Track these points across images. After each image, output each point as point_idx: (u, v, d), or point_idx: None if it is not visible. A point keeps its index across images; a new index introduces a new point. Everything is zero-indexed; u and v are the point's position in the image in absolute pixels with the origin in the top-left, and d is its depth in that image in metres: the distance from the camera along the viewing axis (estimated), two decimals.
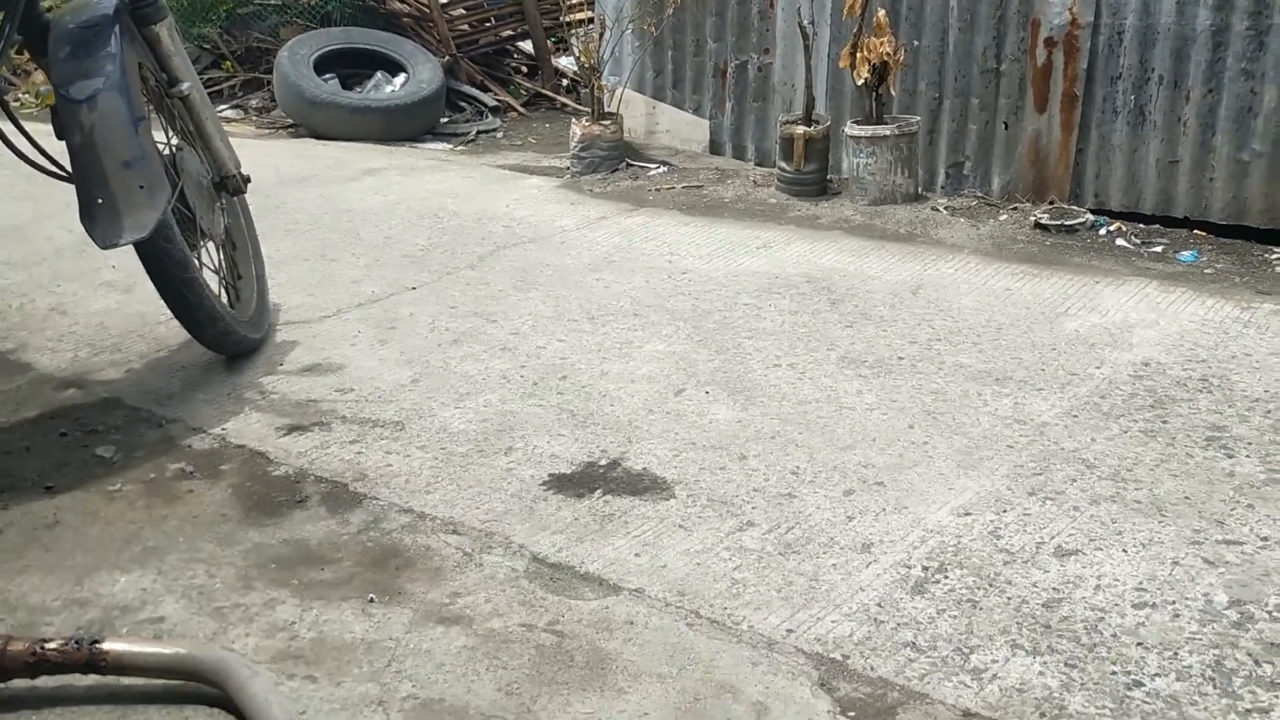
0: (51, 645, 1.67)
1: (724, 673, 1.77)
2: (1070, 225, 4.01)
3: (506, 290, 3.57)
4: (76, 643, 1.68)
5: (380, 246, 4.05)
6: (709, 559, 2.08)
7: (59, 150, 2.60)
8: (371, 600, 1.97)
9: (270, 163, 5.30)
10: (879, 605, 1.93)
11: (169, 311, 2.82)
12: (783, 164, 4.57)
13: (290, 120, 6.34)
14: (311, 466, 2.46)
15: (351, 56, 6.54)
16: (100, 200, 2.47)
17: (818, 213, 4.34)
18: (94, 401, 2.80)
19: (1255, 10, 3.72)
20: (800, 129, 4.44)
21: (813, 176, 4.51)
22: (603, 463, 2.46)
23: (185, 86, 2.86)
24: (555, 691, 1.72)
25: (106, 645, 1.68)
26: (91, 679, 1.72)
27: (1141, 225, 4.03)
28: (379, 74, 6.47)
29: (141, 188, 2.50)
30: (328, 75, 6.30)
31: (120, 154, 2.48)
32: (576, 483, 2.38)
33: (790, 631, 1.86)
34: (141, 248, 2.62)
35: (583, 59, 4.99)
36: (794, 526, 2.19)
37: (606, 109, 5.08)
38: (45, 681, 1.71)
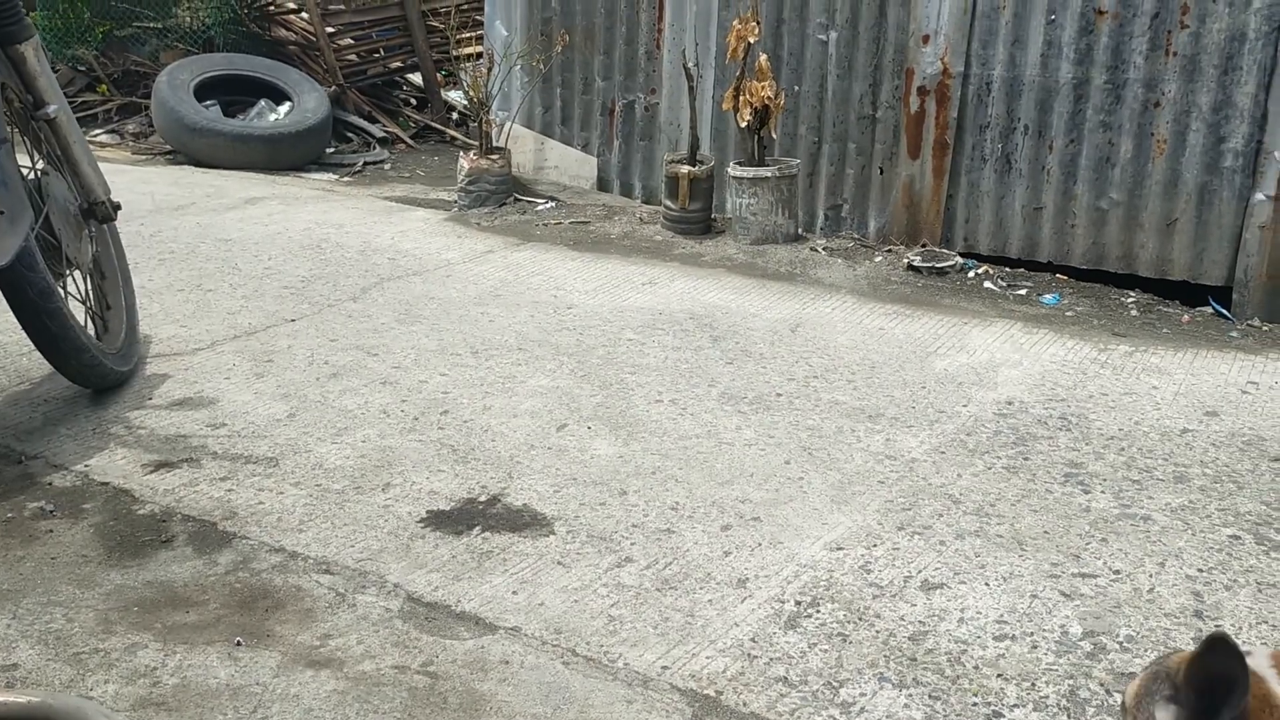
0: None
1: (598, 712, 1.77)
2: (941, 268, 4.17)
3: (389, 323, 3.53)
4: None
5: (259, 277, 3.96)
6: (587, 596, 2.09)
7: None
8: (239, 643, 1.91)
9: (146, 190, 5.15)
10: (753, 640, 1.97)
11: (31, 343, 2.71)
12: (668, 202, 4.64)
13: (169, 147, 6.17)
14: (179, 505, 2.38)
15: (234, 83, 6.42)
16: None
17: (702, 251, 4.42)
18: None
19: (1112, 65, 3.95)
20: (685, 168, 4.53)
21: (697, 215, 4.59)
22: (482, 499, 2.45)
23: (52, 109, 2.77)
24: None
25: None
26: None
27: (1008, 268, 4.22)
28: (263, 102, 6.36)
29: (1, 213, 2.40)
30: (209, 102, 6.16)
31: None
32: (455, 519, 2.36)
33: (665, 668, 1.88)
34: (1, 276, 2.52)
35: (471, 93, 4.99)
36: (672, 562, 2.21)
37: (495, 143, 5.09)
38: None
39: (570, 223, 4.79)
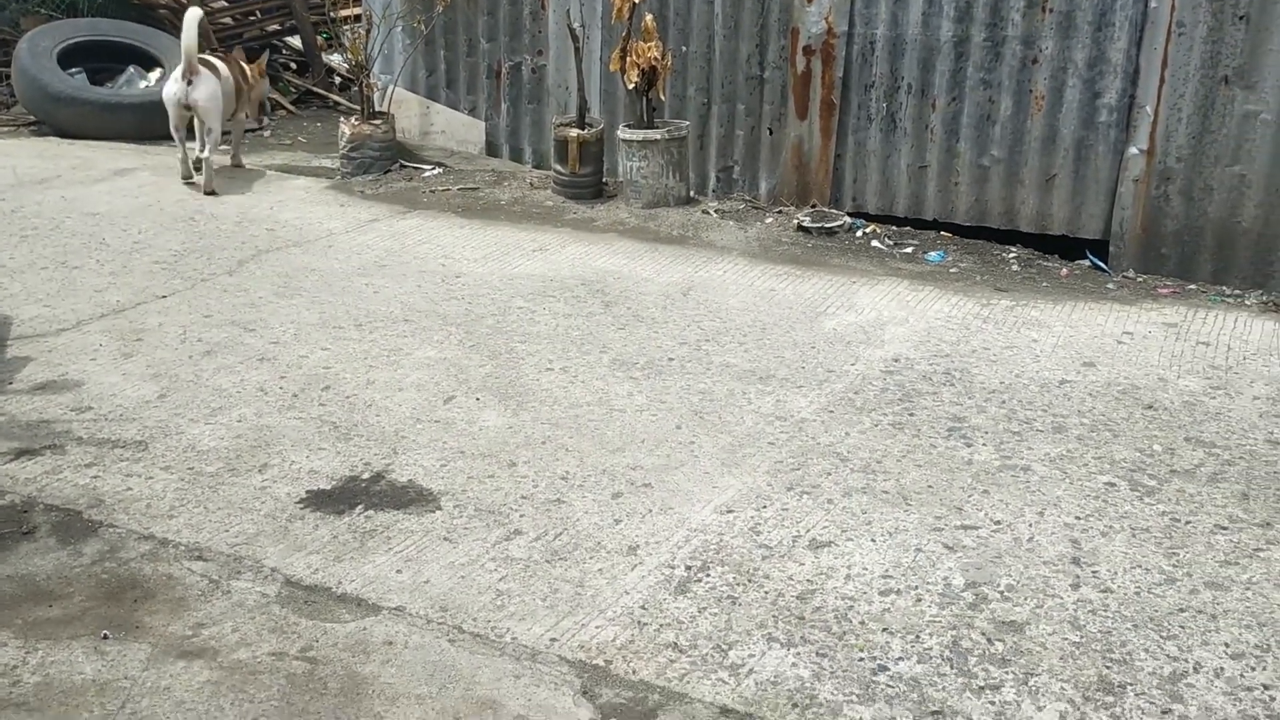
0: None
1: (485, 688, 1.74)
2: (830, 228, 4.19)
3: (267, 297, 3.41)
4: None
5: (128, 252, 3.79)
6: (474, 571, 2.05)
7: None
8: (105, 637, 1.82)
9: (7, 163, 4.89)
10: (643, 608, 1.95)
11: None
12: (558, 167, 4.57)
13: (32, 118, 5.85)
14: (41, 494, 2.26)
15: (101, 50, 6.09)
16: None
17: (594, 215, 4.36)
18: None
19: (991, 23, 3.99)
20: (574, 132, 4.46)
21: (588, 179, 4.53)
22: (365, 476, 2.38)
23: None
24: None
25: None
26: None
27: (895, 227, 4.26)
28: (131, 69, 6.06)
29: None
30: (74, 70, 5.84)
31: None
32: (336, 499, 2.29)
33: (554, 640, 1.85)
34: None
35: (351, 56, 4.83)
36: (562, 533, 2.18)
37: (377, 108, 4.94)
38: None
39: (458, 189, 4.69)
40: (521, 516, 2.24)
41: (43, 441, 2.48)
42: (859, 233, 4.21)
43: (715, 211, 4.39)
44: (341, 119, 4.98)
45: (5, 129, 5.91)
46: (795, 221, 4.24)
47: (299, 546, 2.11)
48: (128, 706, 1.67)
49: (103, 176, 4.77)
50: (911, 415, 2.70)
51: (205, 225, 4.11)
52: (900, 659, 1.83)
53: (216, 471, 2.37)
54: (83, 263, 3.68)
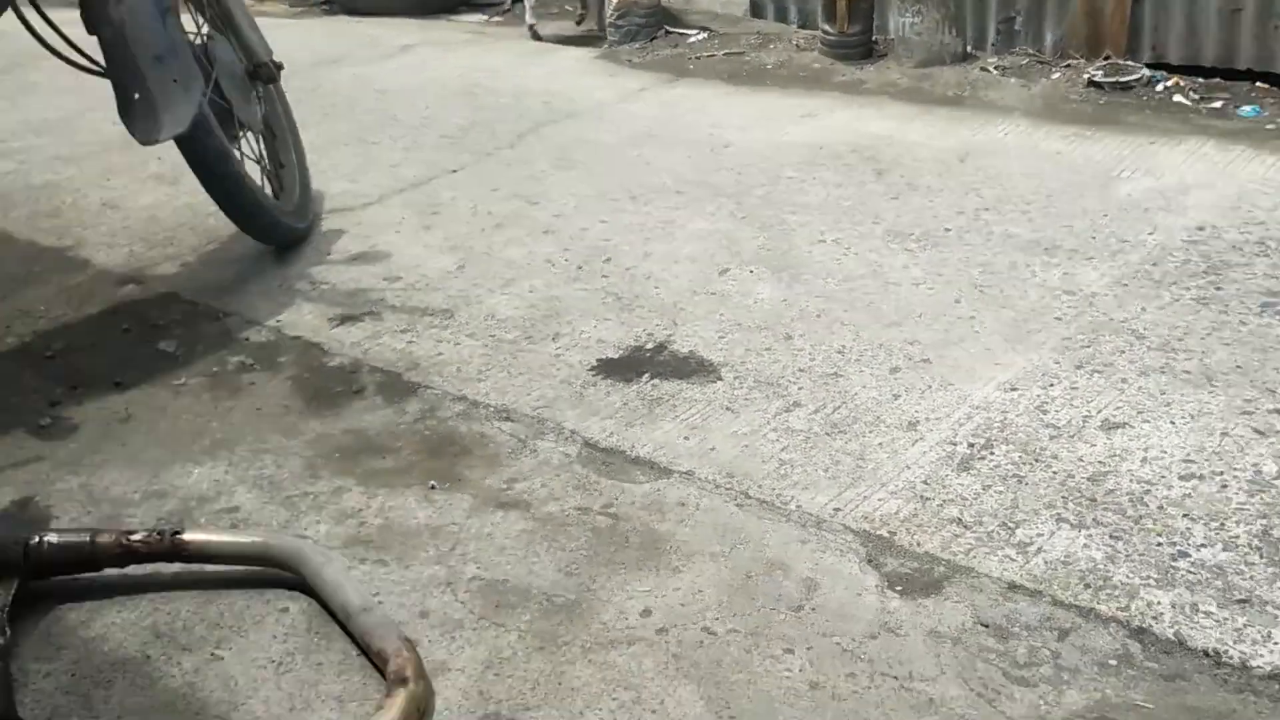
0: (136, 537, 1.76)
1: (774, 551, 1.83)
2: (1125, 82, 3.88)
3: (547, 170, 3.55)
4: (159, 534, 1.77)
5: (418, 128, 4.03)
6: (756, 441, 2.13)
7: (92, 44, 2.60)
8: (433, 487, 2.04)
9: (304, 44, 5.25)
10: (925, 483, 1.97)
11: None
12: (826, 26, 4.44)
13: None
14: (365, 357, 2.51)
15: None
16: (137, 96, 2.47)
17: (863, 77, 4.23)
18: (152, 297, 2.86)
19: None
20: None
21: (857, 39, 4.38)
22: (649, 346, 2.49)
23: None
24: (613, 571, 1.79)
25: (188, 536, 1.77)
26: (178, 566, 1.81)
27: (1201, 79, 3.89)
28: None
29: (175, 81, 2.49)
30: None
31: (151, 48, 2.46)
32: (624, 367, 2.41)
33: (838, 510, 1.91)
34: (182, 142, 2.63)
35: None
36: (840, 406, 2.22)
37: None
38: (135, 570, 1.81)
39: (724, 54, 4.65)
40: (800, 389, 2.29)
41: (362, 309, 2.73)
42: (1159, 86, 3.87)
43: (994, 68, 4.15)
44: None
45: (298, 8, 6.33)
46: (1085, 76, 3.95)
47: (594, 411, 2.25)
48: (458, 549, 1.87)
49: (389, 53, 5.05)
50: (1218, 289, 2.52)
51: (485, 99, 4.29)
52: (1203, 545, 1.77)
53: (515, 339, 2.55)
54: (378, 138, 3.95)
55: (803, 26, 4.90)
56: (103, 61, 2.53)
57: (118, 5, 2.43)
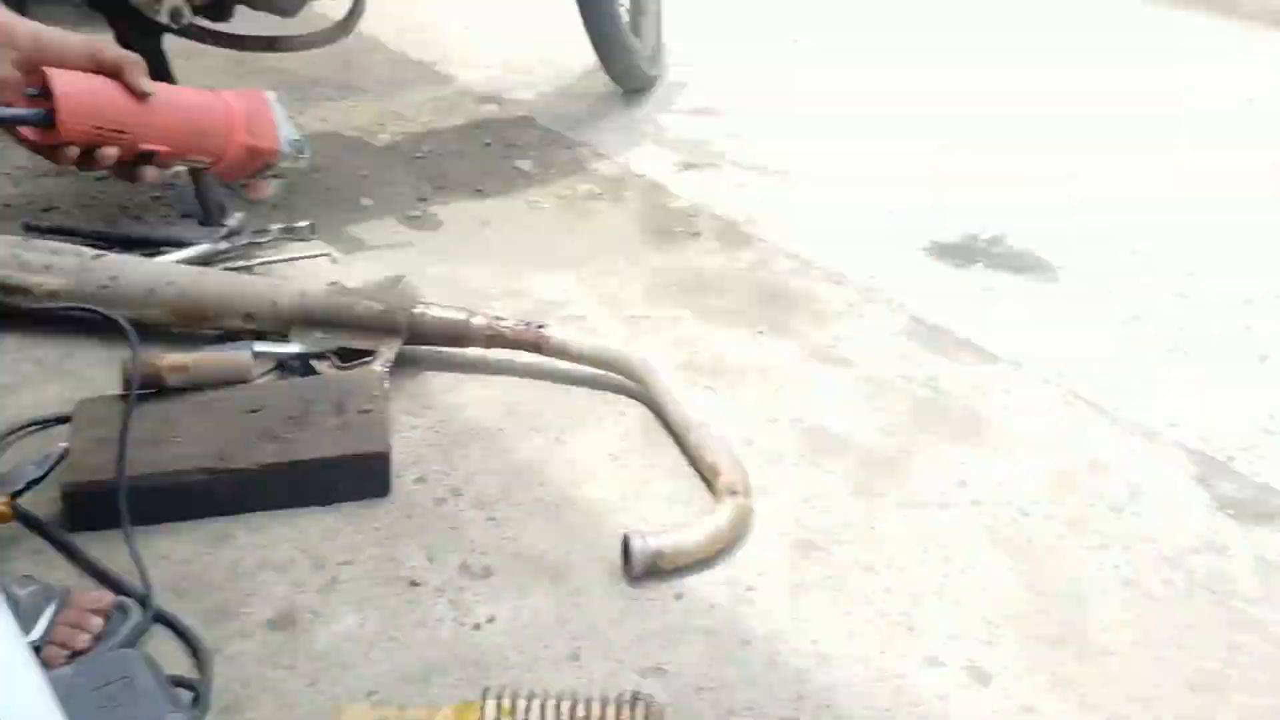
0: (507, 324, 1.96)
1: (1098, 451, 1.82)
2: None
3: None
4: (527, 324, 1.96)
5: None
6: (1091, 345, 2.10)
7: None
8: (762, 332, 2.14)
9: None
10: (1270, 417, 1.90)
11: (575, 44, 2.99)
12: None
13: None
14: (704, 203, 2.62)
15: None
16: None
17: None
18: (510, 118, 3.08)
19: None
20: None
21: None
22: (984, 237, 2.47)
23: None
24: (932, 440, 1.84)
25: (550, 332, 1.95)
26: (530, 359, 2.00)
27: None
28: None
29: None
30: None
31: None
32: (957, 253, 2.41)
33: (1173, 426, 1.88)
34: None
35: None
36: (1185, 328, 2.15)
37: None
38: (495, 354, 2.01)
39: None
40: (1144, 304, 2.22)
41: (702, 159, 2.84)
42: None
43: None
44: None
45: None
46: None
47: (924, 289, 2.28)
48: (782, 390, 1.97)
49: None
50: None
51: None
52: None
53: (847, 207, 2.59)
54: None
55: None
56: None
57: None
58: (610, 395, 1.95)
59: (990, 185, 2.69)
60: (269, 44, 2.44)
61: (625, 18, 2.99)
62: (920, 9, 3.89)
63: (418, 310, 1.98)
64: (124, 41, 2.39)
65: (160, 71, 2.37)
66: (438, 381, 1.97)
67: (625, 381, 1.94)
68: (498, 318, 1.97)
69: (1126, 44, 3.79)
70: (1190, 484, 1.75)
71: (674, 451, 1.81)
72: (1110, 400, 1.94)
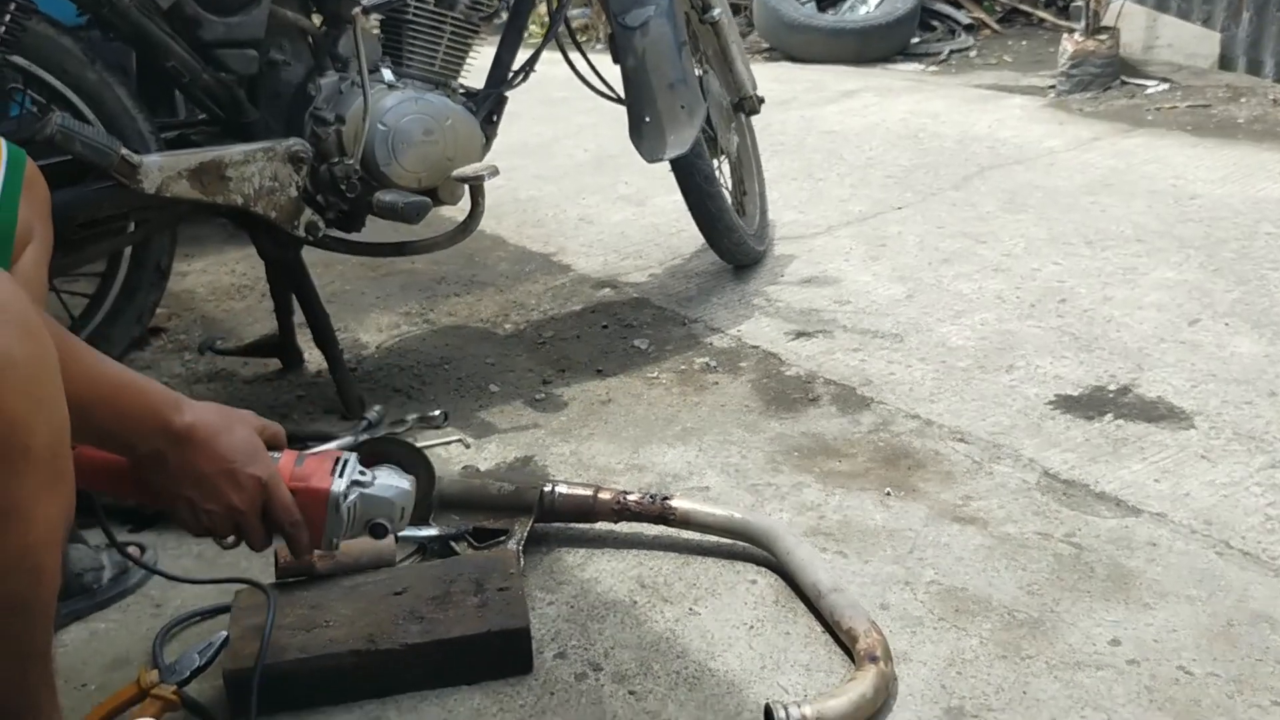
0: (633, 497, 1.99)
1: (1259, 603, 1.73)
2: None
3: (994, 211, 3.56)
4: (651, 497, 1.99)
5: (863, 167, 4.17)
6: (1237, 492, 2.02)
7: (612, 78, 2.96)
8: (888, 494, 2.12)
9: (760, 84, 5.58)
10: None
11: (681, 224, 3.13)
12: None
13: (766, 44, 6.60)
14: (819, 369, 2.65)
15: None
16: (648, 119, 2.78)
17: None
18: (626, 300, 3.19)
19: None
20: None
21: None
22: (1112, 388, 2.43)
23: (716, 12, 3.12)
24: (1077, 597, 1.78)
25: (675, 503, 1.98)
26: (657, 530, 2.03)
27: None
28: None
29: (683, 107, 2.78)
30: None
31: (666, 76, 2.77)
32: (1084, 405, 2.38)
33: None
34: (676, 164, 2.93)
35: None
36: None
37: (1102, 23, 4.80)
38: (622, 527, 2.05)
39: (1186, 106, 4.42)
40: None
41: (815, 327, 2.89)
42: None
43: None
44: (1063, 36, 4.93)
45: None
46: None
47: (1052, 443, 2.24)
48: (914, 553, 1.94)
49: (832, 97, 5.26)
50: None
51: (929, 143, 4.37)
52: None
53: (966, 367, 2.59)
54: (825, 175, 4.13)
55: (1278, 80, 4.54)
56: (618, 91, 2.87)
57: (643, 37, 2.76)
58: (740, 563, 1.94)
59: (1112, 337, 2.66)
60: (398, 249, 2.62)
61: (729, 199, 3.11)
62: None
63: (547, 489, 2.04)
64: (265, 254, 2.60)
65: (300, 280, 2.56)
66: (570, 557, 2.00)
67: (753, 549, 1.94)
68: (623, 492, 2.01)
69: None
70: None
71: (808, 619, 1.79)
72: (1266, 549, 1.86)
